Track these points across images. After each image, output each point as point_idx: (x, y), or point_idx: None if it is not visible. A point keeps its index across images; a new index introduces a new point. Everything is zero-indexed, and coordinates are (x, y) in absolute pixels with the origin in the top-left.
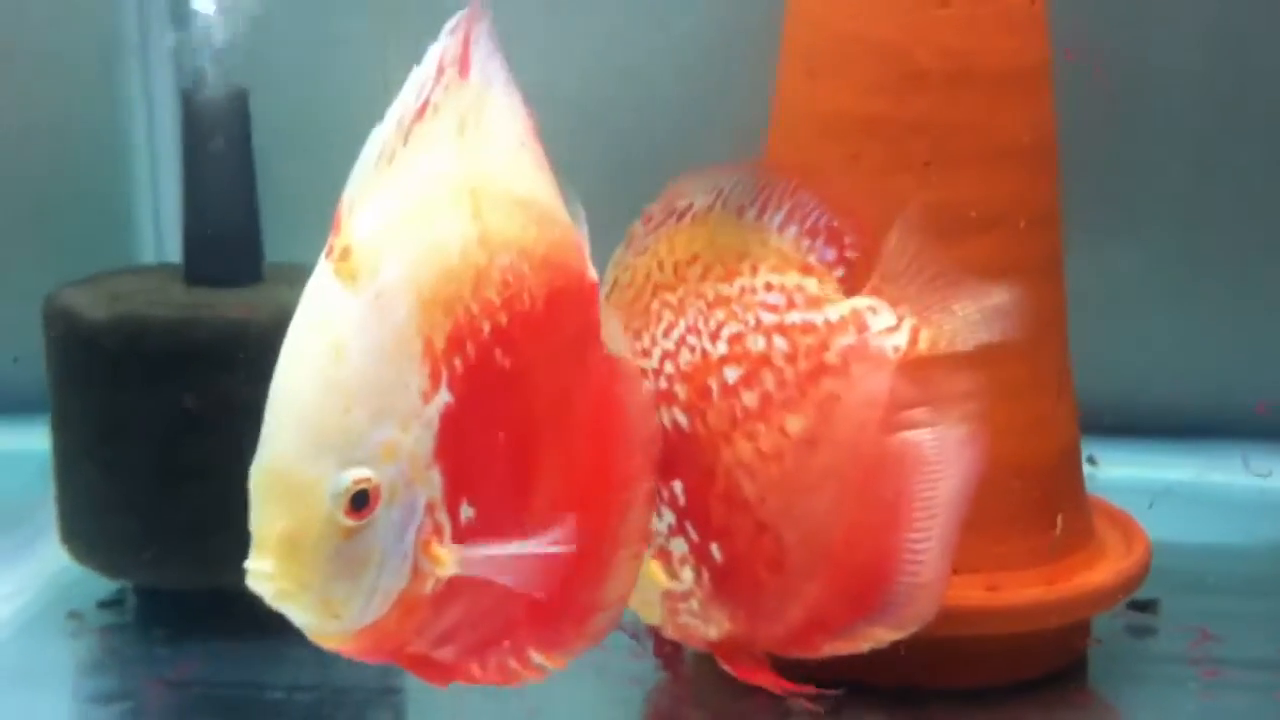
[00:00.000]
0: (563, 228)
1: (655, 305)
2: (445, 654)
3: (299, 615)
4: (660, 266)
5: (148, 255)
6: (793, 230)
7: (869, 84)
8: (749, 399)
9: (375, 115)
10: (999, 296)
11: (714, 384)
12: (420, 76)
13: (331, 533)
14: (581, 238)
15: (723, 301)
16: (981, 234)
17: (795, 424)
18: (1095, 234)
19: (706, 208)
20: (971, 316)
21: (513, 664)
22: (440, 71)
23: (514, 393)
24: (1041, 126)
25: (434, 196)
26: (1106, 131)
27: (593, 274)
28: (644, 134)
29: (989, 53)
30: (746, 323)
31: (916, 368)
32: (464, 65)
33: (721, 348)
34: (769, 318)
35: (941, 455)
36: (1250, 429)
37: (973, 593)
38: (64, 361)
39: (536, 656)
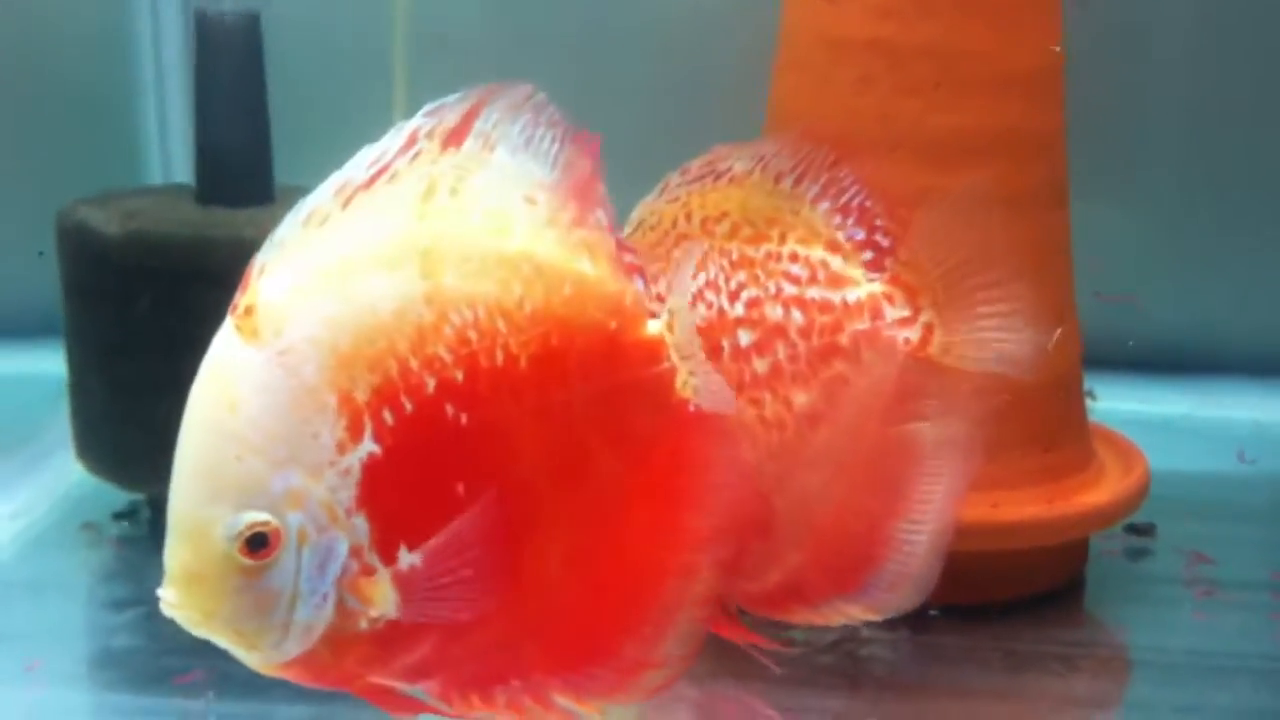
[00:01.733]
0: (583, 284)
1: (677, 254)
2: (429, 687)
3: (219, 642)
4: (688, 218)
5: (154, 173)
6: (825, 205)
7: (879, 8)
8: (759, 365)
9: (386, 39)
10: (1021, 325)
11: (726, 344)
12: (375, 151)
13: (231, 570)
14: (632, 295)
15: (746, 264)
16: (987, 160)
17: (801, 399)
18: (1096, 170)
19: (745, 172)
20: (990, 334)
21: (529, 703)
22: (410, 144)
23: (478, 448)
24: (1048, 54)
25: (368, 257)
26: (1108, 64)
27: (651, 330)
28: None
29: None
30: (766, 290)
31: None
32: (456, 137)
33: (739, 309)
34: (789, 289)
35: (942, 453)
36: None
37: (974, 510)
38: (77, 276)
39: (562, 700)
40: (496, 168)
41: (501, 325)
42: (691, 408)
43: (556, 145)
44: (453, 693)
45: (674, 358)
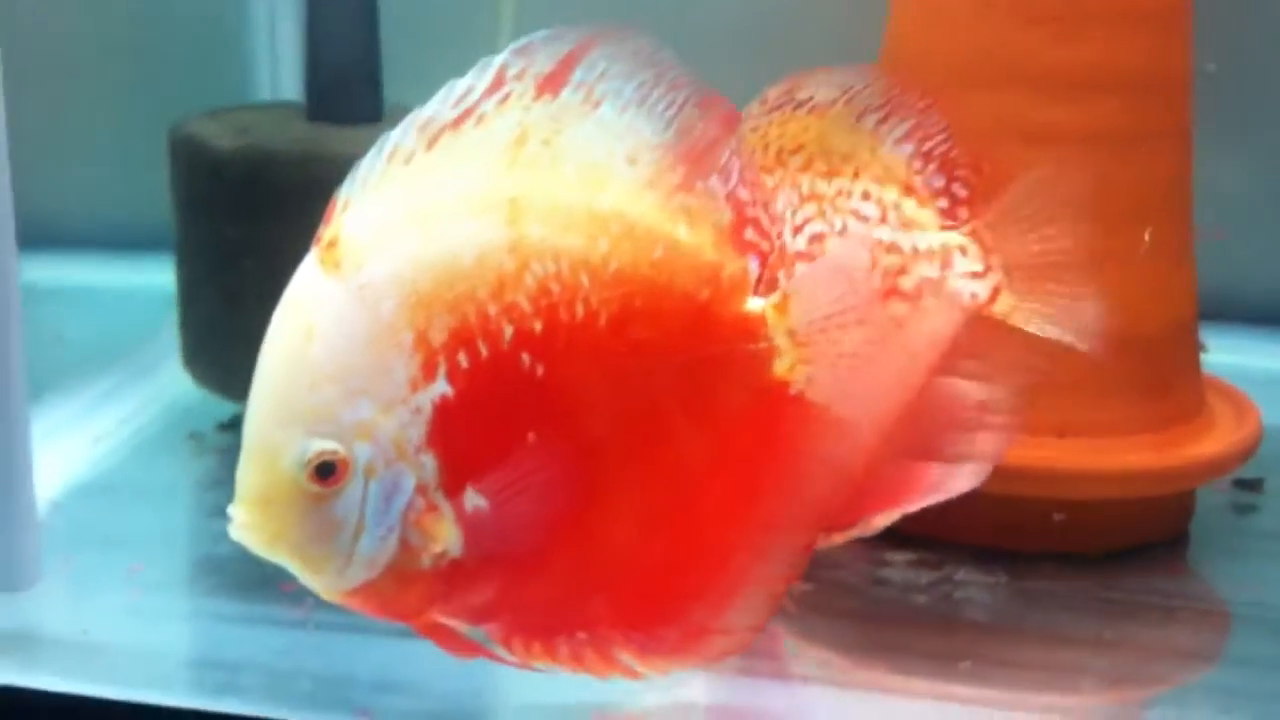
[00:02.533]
0: (675, 249)
1: (788, 213)
2: (492, 631)
3: (285, 564)
4: (766, 148)
5: (263, 91)
6: (908, 148)
7: None
8: None
9: None
10: (1092, 304)
11: (782, 277)
12: (459, 89)
13: (299, 495)
14: (734, 269)
15: (815, 198)
16: (1107, 96)
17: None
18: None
19: (828, 102)
20: (1057, 304)
21: (591, 655)
22: (497, 84)
23: (553, 399)
24: None
25: (454, 200)
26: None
27: (750, 307)
28: None
29: None
30: (832, 225)
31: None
32: (552, 84)
33: (800, 243)
34: (856, 227)
35: (981, 414)
36: None
37: (1080, 456)
38: (189, 190)
39: (625, 657)
40: (598, 122)
41: (585, 280)
42: (793, 391)
43: (675, 108)
44: (515, 639)
45: (779, 339)
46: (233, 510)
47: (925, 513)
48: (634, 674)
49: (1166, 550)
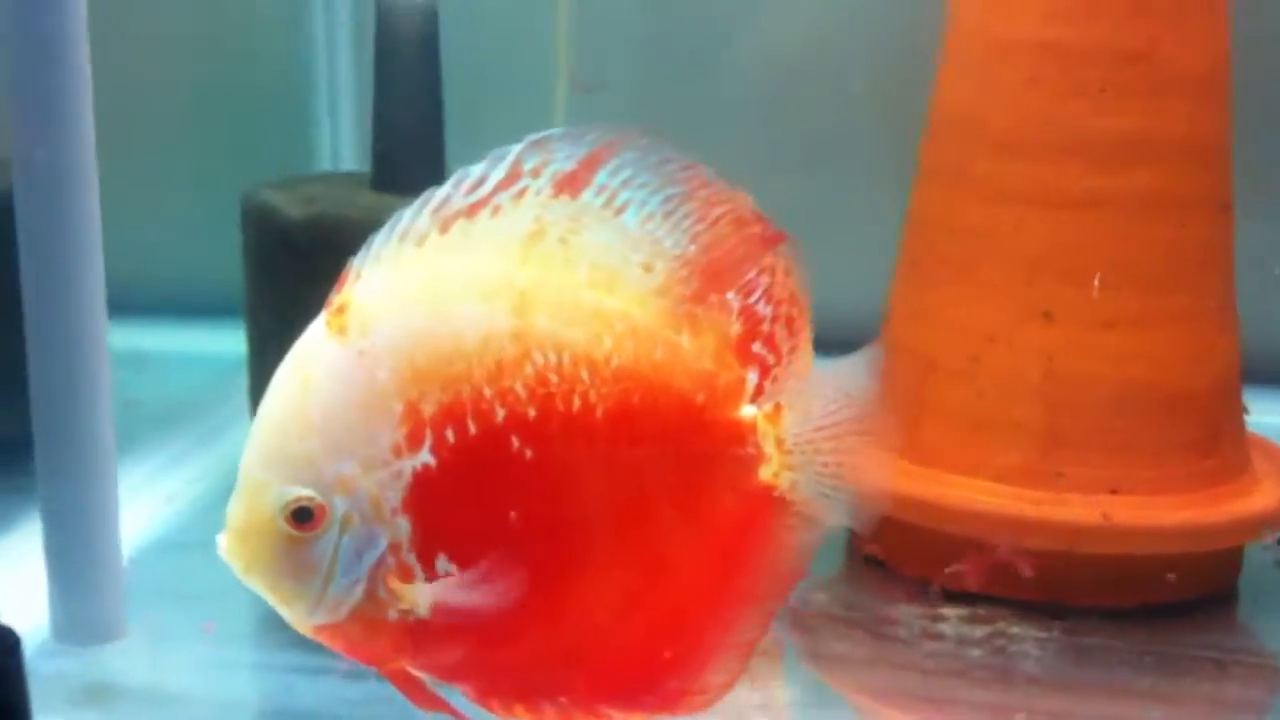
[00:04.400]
0: (676, 353)
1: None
2: (467, 691)
3: (260, 593)
4: None
5: (324, 161)
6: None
7: (1048, 10)
8: None
9: (554, 35)
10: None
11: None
12: (473, 176)
13: (276, 534)
14: (730, 377)
15: None
16: (1152, 163)
17: None
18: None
19: None
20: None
21: (580, 715)
22: (512, 178)
23: (539, 483)
24: (1217, 58)
25: (465, 283)
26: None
27: (743, 414)
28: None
29: None
30: None
31: None
32: (571, 184)
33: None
34: None
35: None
36: None
37: (1130, 512)
38: (259, 255)
39: (615, 714)
40: (618, 229)
41: (584, 374)
42: (776, 494)
43: (704, 224)
44: (493, 700)
45: (767, 446)
46: (220, 537)
47: (977, 569)
48: None
49: (1216, 605)
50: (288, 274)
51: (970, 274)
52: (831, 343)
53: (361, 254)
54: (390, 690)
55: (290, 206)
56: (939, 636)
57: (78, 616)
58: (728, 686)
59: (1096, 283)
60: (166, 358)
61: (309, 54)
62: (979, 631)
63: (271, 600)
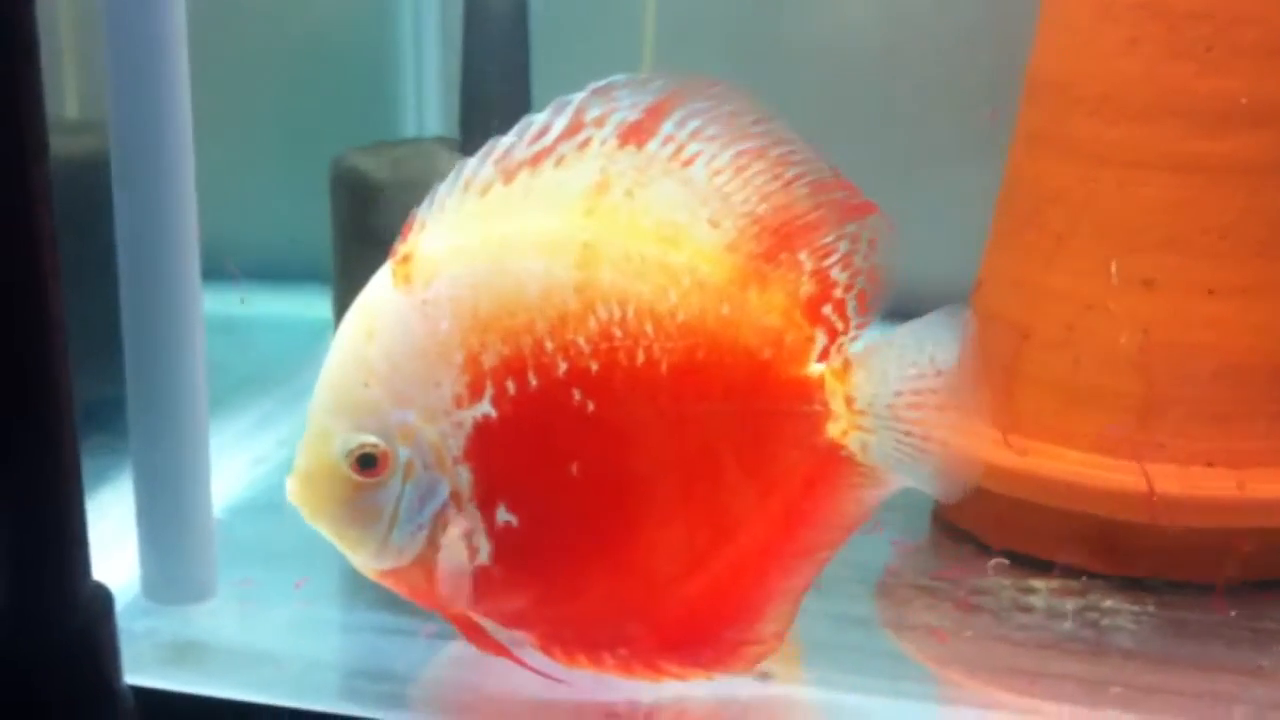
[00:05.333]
0: (743, 308)
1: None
2: (529, 638)
3: (328, 536)
4: None
5: (409, 128)
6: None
7: None
8: None
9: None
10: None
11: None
12: (537, 126)
13: (341, 479)
14: (799, 334)
15: None
16: (1255, 127)
17: None
18: None
19: None
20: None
21: (639, 668)
22: (575, 127)
23: (602, 436)
24: None
25: (530, 235)
26: None
27: (810, 371)
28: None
29: None
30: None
31: None
32: (637, 133)
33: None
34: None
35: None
36: None
37: (1222, 486)
38: (349, 218)
39: (673, 667)
40: (685, 181)
41: (649, 328)
42: (844, 454)
43: (779, 182)
44: (555, 648)
45: (835, 404)
46: (288, 480)
47: (1070, 541)
48: (682, 678)
49: None
50: (377, 237)
51: (1068, 240)
52: (912, 313)
53: (426, 203)
54: (475, 653)
55: (378, 170)
56: (1029, 609)
57: (169, 575)
58: (780, 637)
59: (1114, 269)
60: (255, 322)
61: (395, 23)
62: (1070, 604)
63: (338, 544)
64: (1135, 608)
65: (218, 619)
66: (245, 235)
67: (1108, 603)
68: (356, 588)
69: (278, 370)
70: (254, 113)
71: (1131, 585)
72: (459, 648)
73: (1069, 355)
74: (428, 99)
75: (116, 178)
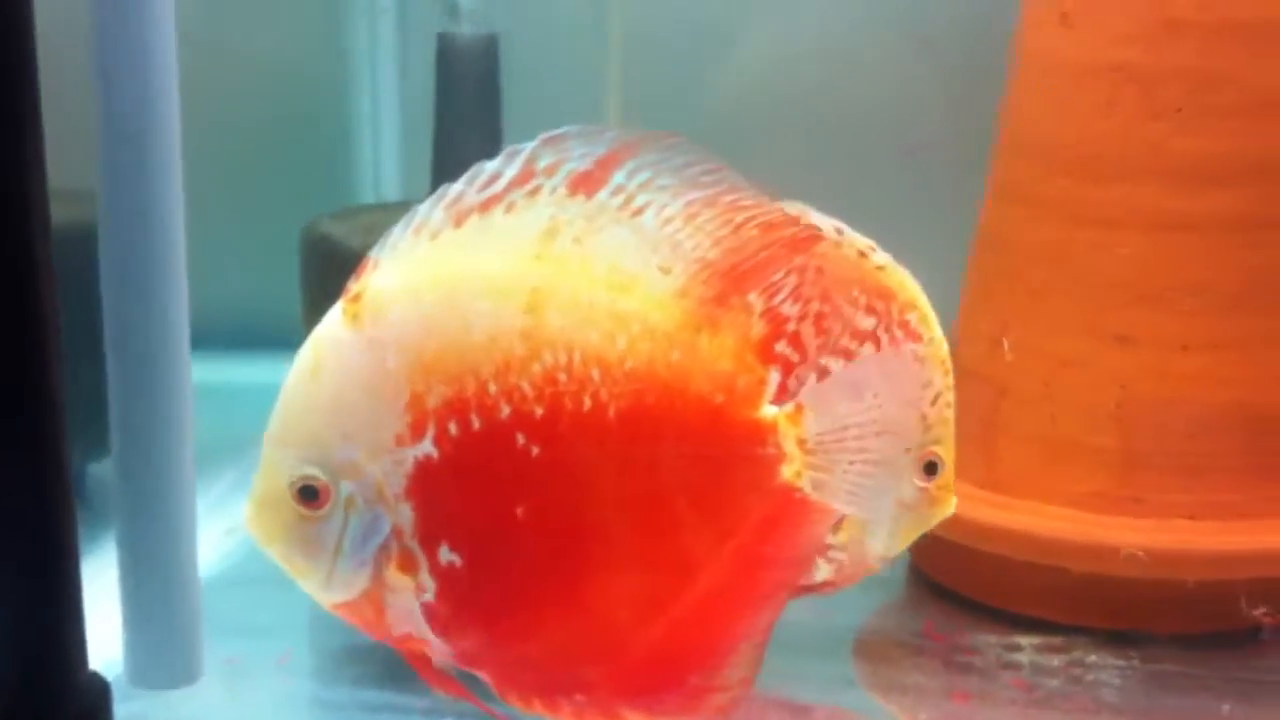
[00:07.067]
0: (693, 353)
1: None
2: (486, 679)
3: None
4: None
5: (367, 189)
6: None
7: (1126, 32)
8: None
9: (611, 65)
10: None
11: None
12: (488, 174)
13: (287, 509)
14: (751, 377)
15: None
16: (1235, 186)
17: None
18: None
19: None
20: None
21: (596, 715)
22: (526, 176)
23: (548, 480)
24: None
25: (479, 279)
26: None
27: (763, 414)
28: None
29: (1248, 3)
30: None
31: None
32: (587, 183)
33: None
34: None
35: None
36: None
37: (1206, 538)
38: (319, 285)
39: (634, 715)
40: (636, 230)
41: (596, 374)
42: (798, 496)
43: (729, 228)
44: (511, 692)
45: (788, 446)
46: (245, 506)
47: (1053, 596)
48: None
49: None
50: None
51: (1045, 297)
52: None
53: (379, 245)
54: None
55: (349, 237)
56: (1014, 666)
57: (157, 660)
58: (747, 683)
59: (1006, 346)
60: (224, 390)
61: (353, 84)
62: (1056, 661)
63: (290, 573)
64: (1120, 662)
65: (205, 702)
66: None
67: (1092, 658)
68: (342, 662)
69: (248, 439)
70: (216, 181)
71: (1115, 639)
72: None
73: (1047, 411)
74: (385, 159)
75: (104, 248)
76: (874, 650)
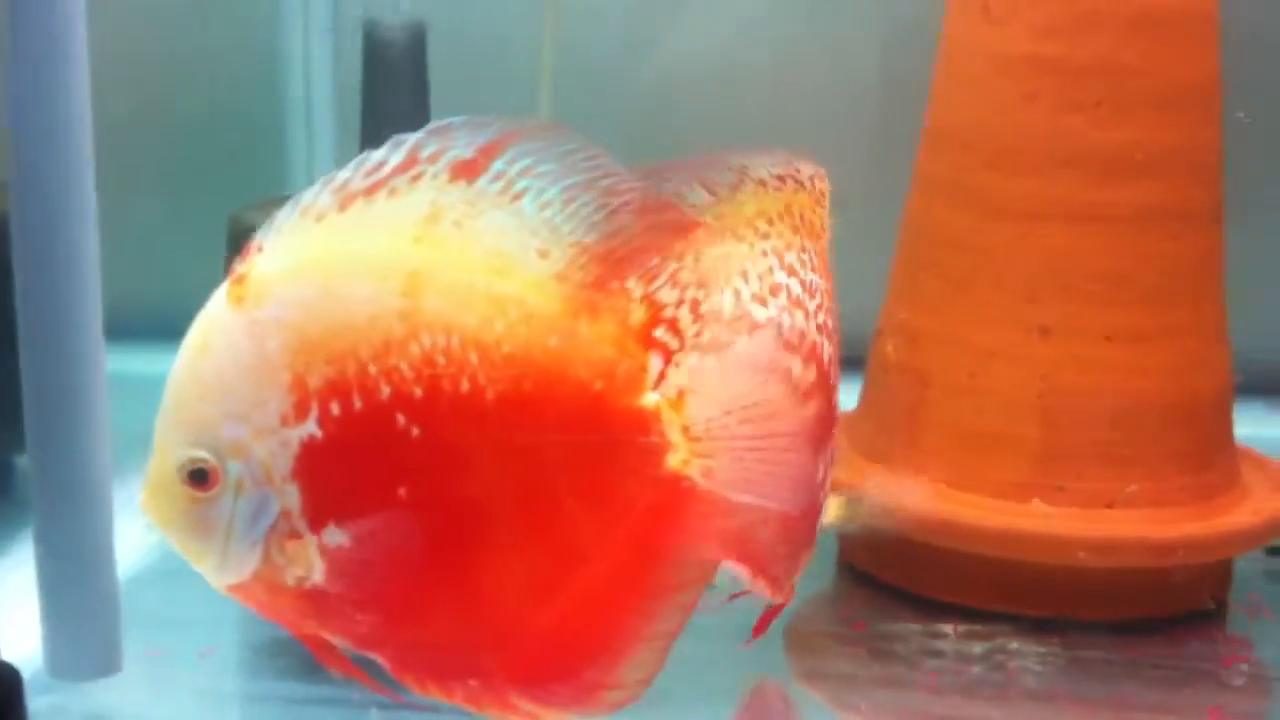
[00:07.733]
0: (572, 339)
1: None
2: (383, 662)
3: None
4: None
5: (300, 180)
6: None
7: (1043, 26)
8: None
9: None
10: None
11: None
12: (372, 161)
13: (178, 492)
14: (631, 364)
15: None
16: (1148, 178)
17: None
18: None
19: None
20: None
21: (488, 703)
22: (410, 163)
23: (428, 460)
24: (1208, 73)
25: (358, 261)
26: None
27: (645, 402)
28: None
29: None
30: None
31: None
32: (468, 170)
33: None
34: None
35: None
36: None
37: (1128, 527)
38: None
39: (525, 704)
40: (514, 214)
41: (473, 357)
42: (685, 484)
43: (605, 212)
44: (407, 674)
45: (672, 435)
46: (139, 490)
47: (976, 584)
48: (536, 718)
49: (1208, 617)
50: None
51: (968, 289)
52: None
53: (265, 227)
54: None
55: None
56: (937, 654)
57: (75, 651)
58: (645, 683)
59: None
60: (145, 381)
61: (285, 74)
62: (979, 648)
63: (185, 556)
64: (1042, 649)
65: (126, 693)
66: (130, 292)
67: (1014, 645)
68: (264, 656)
69: None
70: (139, 167)
71: (1038, 626)
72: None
73: (971, 402)
74: (318, 149)
75: (16, 238)
76: (803, 640)
